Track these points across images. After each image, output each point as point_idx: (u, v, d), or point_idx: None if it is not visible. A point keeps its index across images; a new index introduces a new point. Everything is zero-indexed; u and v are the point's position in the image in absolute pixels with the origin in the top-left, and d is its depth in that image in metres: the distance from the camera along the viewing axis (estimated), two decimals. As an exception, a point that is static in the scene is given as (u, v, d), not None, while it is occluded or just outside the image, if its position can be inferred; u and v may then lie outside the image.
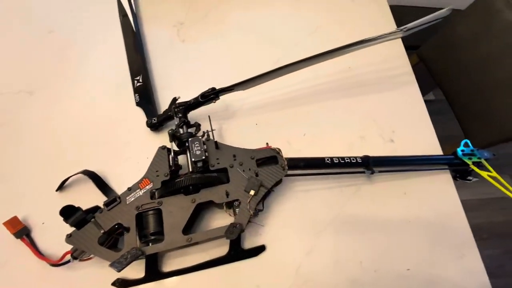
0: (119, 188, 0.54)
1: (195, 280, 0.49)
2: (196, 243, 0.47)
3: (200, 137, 0.51)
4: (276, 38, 0.76)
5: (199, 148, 0.49)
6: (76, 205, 0.46)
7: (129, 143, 0.61)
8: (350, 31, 0.76)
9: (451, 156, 0.61)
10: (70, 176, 0.54)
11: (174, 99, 0.58)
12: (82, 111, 0.64)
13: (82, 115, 0.63)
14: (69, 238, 0.44)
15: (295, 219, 0.55)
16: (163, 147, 0.52)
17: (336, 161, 0.54)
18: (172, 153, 0.51)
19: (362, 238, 0.55)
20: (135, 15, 0.74)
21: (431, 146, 0.64)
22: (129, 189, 0.49)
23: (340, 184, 0.59)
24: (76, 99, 0.65)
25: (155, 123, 0.59)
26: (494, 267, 1.30)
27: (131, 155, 0.59)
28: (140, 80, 0.65)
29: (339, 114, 0.67)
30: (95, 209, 0.48)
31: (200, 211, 0.52)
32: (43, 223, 0.52)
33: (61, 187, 0.54)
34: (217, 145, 0.52)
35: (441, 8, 0.56)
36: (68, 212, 0.44)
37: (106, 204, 0.47)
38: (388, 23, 0.79)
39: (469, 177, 0.62)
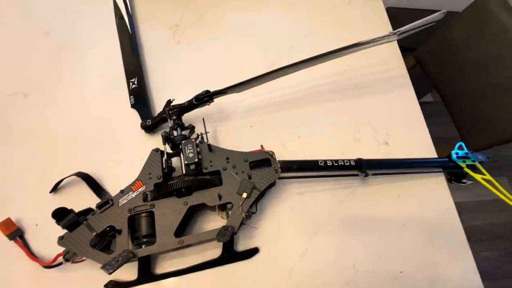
0: (114, 190, 0.54)
1: (189, 282, 0.50)
2: (188, 246, 0.47)
3: (193, 140, 0.51)
4: (272, 40, 0.76)
5: (192, 150, 0.49)
6: (70, 207, 0.47)
7: (123, 145, 0.61)
8: (345, 34, 0.76)
9: (445, 159, 0.61)
10: (64, 178, 0.54)
11: (169, 101, 0.58)
12: (77, 113, 0.64)
13: (77, 117, 0.63)
14: (61, 240, 0.45)
15: (289, 222, 0.55)
16: (157, 150, 0.52)
17: (329, 164, 0.54)
18: (165, 156, 0.51)
19: (355, 241, 0.55)
20: (130, 17, 0.74)
21: (425, 148, 0.64)
22: (122, 191, 0.49)
23: (334, 186, 0.59)
24: (71, 101, 0.65)
25: (150, 125, 0.59)
26: (492, 269, 1.30)
27: (125, 157, 0.59)
28: (135, 82, 0.65)
29: (334, 116, 0.67)
30: (88, 211, 0.48)
31: (193, 213, 0.52)
32: (36, 225, 0.52)
33: (55, 189, 0.54)
34: (210, 147, 0.52)
35: (437, 11, 0.56)
36: (60, 214, 0.44)
37: (99, 206, 0.47)
38: (384, 26, 0.79)
39: (464, 180, 0.62)
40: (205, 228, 0.53)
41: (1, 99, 0.65)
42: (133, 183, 0.49)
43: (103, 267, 0.42)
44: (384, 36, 0.54)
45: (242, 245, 0.53)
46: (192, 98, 0.56)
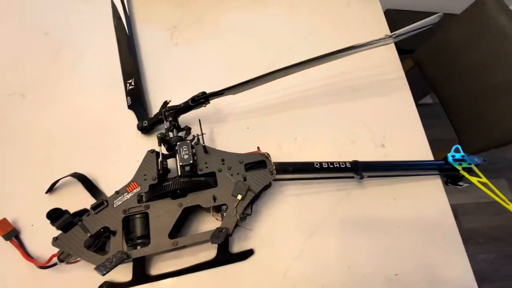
0: (110, 191, 0.54)
1: (184, 283, 0.50)
2: (183, 247, 0.47)
3: (189, 141, 0.51)
4: (270, 41, 0.76)
5: (187, 152, 0.49)
6: (66, 208, 0.47)
7: (120, 146, 0.61)
8: (343, 36, 0.77)
9: (441, 161, 0.61)
10: (60, 179, 0.54)
11: (165, 103, 0.58)
12: (74, 114, 0.64)
13: (74, 117, 0.64)
14: (55, 241, 0.45)
15: (284, 223, 0.55)
16: (152, 151, 0.52)
17: (325, 166, 0.54)
18: (161, 157, 0.51)
19: (350, 243, 0.55)
20: (128, 18, 0.74)
21: (422, 151, 0.64)
22: (117, 192, 0.49)
23: (330, 188, 0.59)
24: (68, 101, 0.65)
25: (146, 126, 0.59)
26: (490, 272, 1.30)
27: (121, 158, 0.59)
28: (133, 83, 0.65)
29: (331, 118, 0.67)
30: (83, 212, 0.48)
31: (188, 214, 0.52)
32: (32, 225, 0.53)
33: (51, 190, 0.55)
34: (205, 149, 0.52)
35: (436, 13, 0.56)
36: (55, 215, 0.44)
37: (93, 207, 0.47)
38: (382, 28, 0.79)
39: (460, 183, 0.62)
40: (200, 229, 0.53)
41: (0, 99, 0.65)
42: (128, 184, 0.49)
43: (96, 268, 0.42)
44: (380, 39, 0.54)
45: (237, 247, 0.53)
46: (189, 100, 0.56)
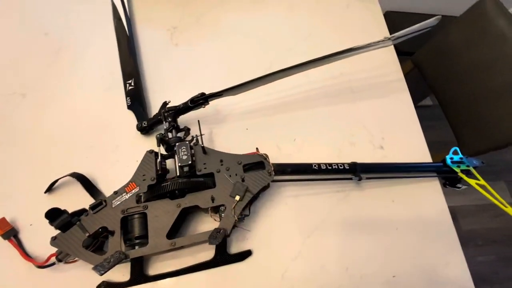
0: (109, 191, 0.53)
1: (182, 283, 0.50)
2: (181, 248, 0.47)
3: (187, 142, 0.51)
4: (269, 42, 0.76)
5: (185, 153, 0.50)
6: (64, 208, 0.47)
7: (119, 146, 0.61)
8: (343, 37, 0.77)
9: (439, 163, 0.61)
10: (59, 178, 0.54)
11: (165, 103, 0.58)
12: (73, 114, 0.64)
13: (73, 117, 0.64)
14: (54, 241, 0.45)
15: (282, 224, 0.56)
16: (151, 151, 0.52)
17: (323, 167, 0.55)
18: (159, 158, 0.51)
19: (348, 244, 0.55)
20: (129, 19, 0.74)
21: (420, 153, 0.65)
22: (116, 192, 0.49)
23: (329, 190, 0.59)
24: (68, 101, 0.66)
25: (145, 126, 0.59)
26: (489, 274, 1.30)
27: (121, 158, 0.59)
28: (132, 84, 0.65)
29: (330, 119, 0.67)
30: (82, 212, 0.48)
31: (186, 215, 0.52)
32: (31, 225, 0.53)
33: (49, 189, 0.55)
34: (204, 150, 0.52)
35: (436, 15, 0.56)
36: (53, 215, 0.44)
37: (92, 207, 0.47)
38: (381, 30, 0.79)
39: (459, 185, 0.62)
40: (198, 230, 0.53)
41: (0, 99, 0.65)
42: (127, 185, 0.49)
43: (94, 268, 0.42)
44: (379, 41, 0.54)
45: (235, 248, 0.53)
46: (188, 100, 0.56)
